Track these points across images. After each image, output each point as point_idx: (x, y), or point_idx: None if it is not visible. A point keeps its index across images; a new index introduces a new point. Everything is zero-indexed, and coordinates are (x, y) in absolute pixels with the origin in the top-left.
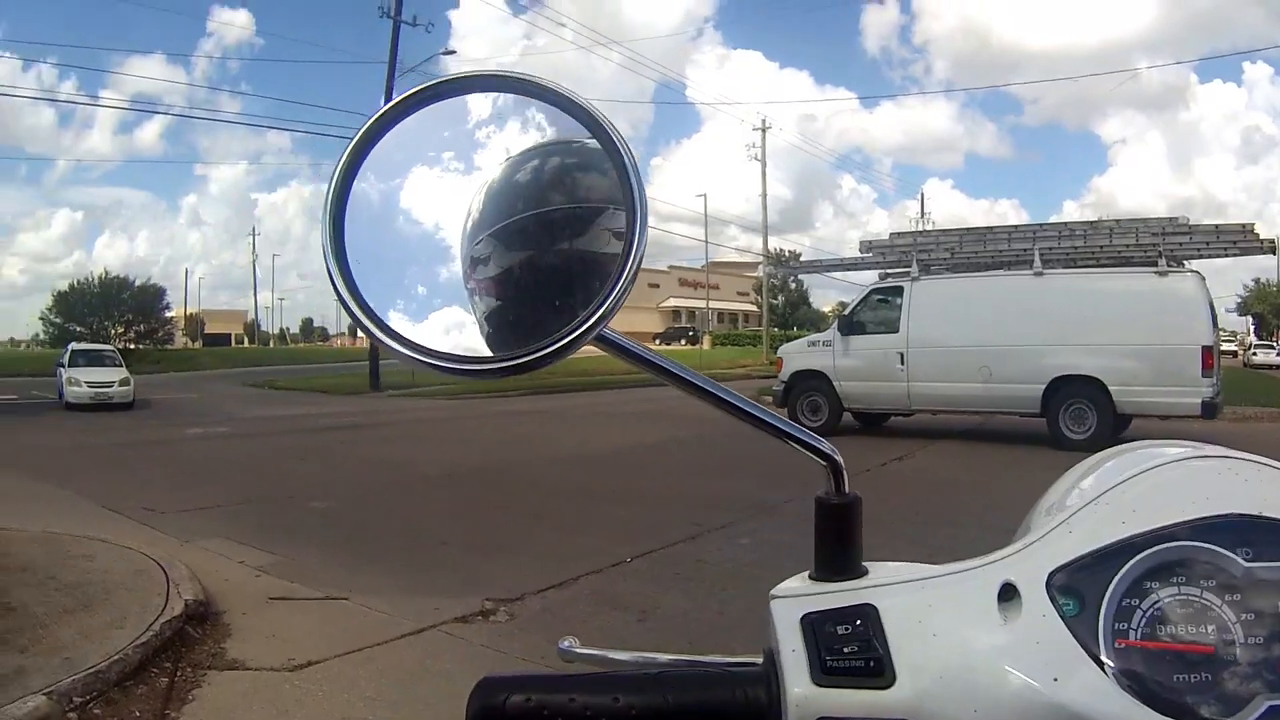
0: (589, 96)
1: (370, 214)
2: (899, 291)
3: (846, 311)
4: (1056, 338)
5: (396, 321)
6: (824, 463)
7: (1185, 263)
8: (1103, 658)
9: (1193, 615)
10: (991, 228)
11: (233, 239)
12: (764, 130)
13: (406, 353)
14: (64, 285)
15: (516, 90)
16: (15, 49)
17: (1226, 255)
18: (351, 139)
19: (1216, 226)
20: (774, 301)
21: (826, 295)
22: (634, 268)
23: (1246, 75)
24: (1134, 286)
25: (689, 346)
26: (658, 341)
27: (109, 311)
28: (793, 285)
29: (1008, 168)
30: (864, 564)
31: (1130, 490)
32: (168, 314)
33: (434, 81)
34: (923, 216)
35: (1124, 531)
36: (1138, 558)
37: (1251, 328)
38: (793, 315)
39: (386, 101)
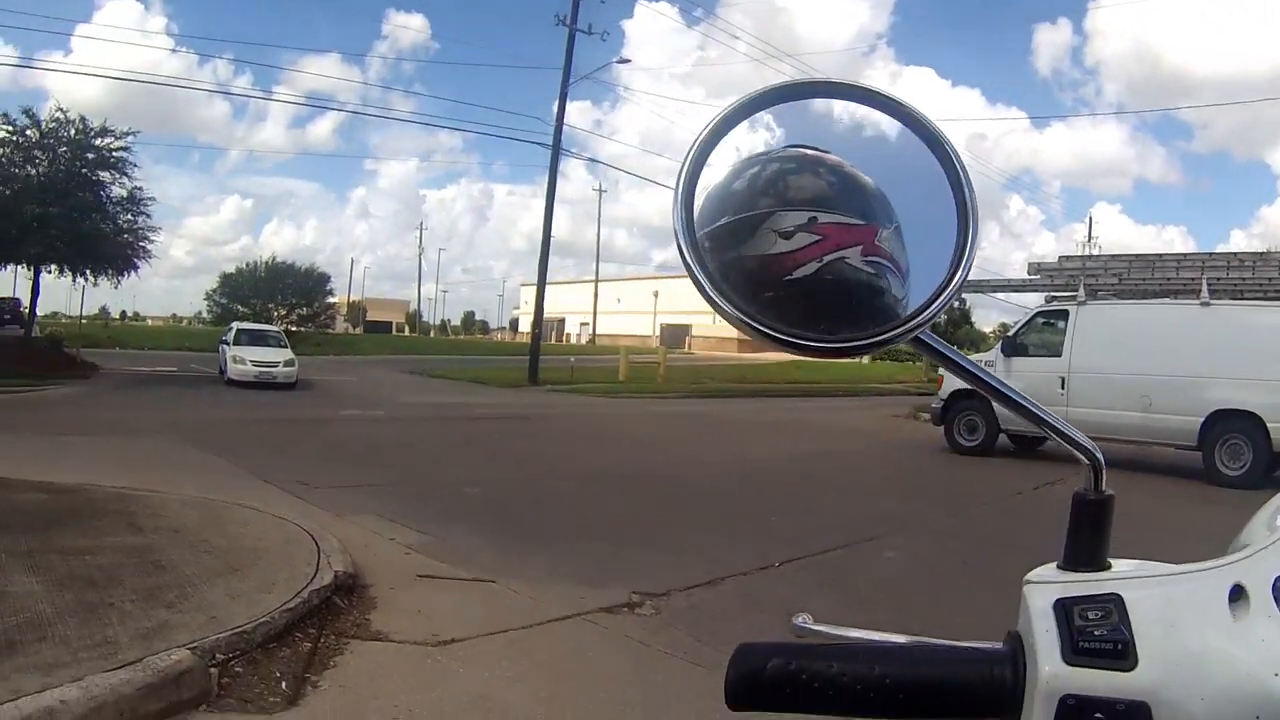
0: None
1: (716, 201)
2: (1064, 315)
3: (1010, 333)
4: (1218, 370)
5: (738, 299)
6: (1088, 461)
7: None
8: None
9: None
10: (1160, 255)
11: (399, 231)
12: None
13: (755, 325)
14: (230, 268)
15: (860, 99)
16: (194, 44)
17: None
18: (702, 131)
19: None
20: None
21: (988, 316)
22: (961, 278)
23: None
24: None
25: (846, 360)
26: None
27: (273, 294)
28: (955, 304)
29: (1176, 194)
30: (1109, 559)
31: None
32: (330, 299)
33: (788, 83)
34: (1090, 240)
35: None
36: None
37: None
38: (954, 334)
39: (560, 108)
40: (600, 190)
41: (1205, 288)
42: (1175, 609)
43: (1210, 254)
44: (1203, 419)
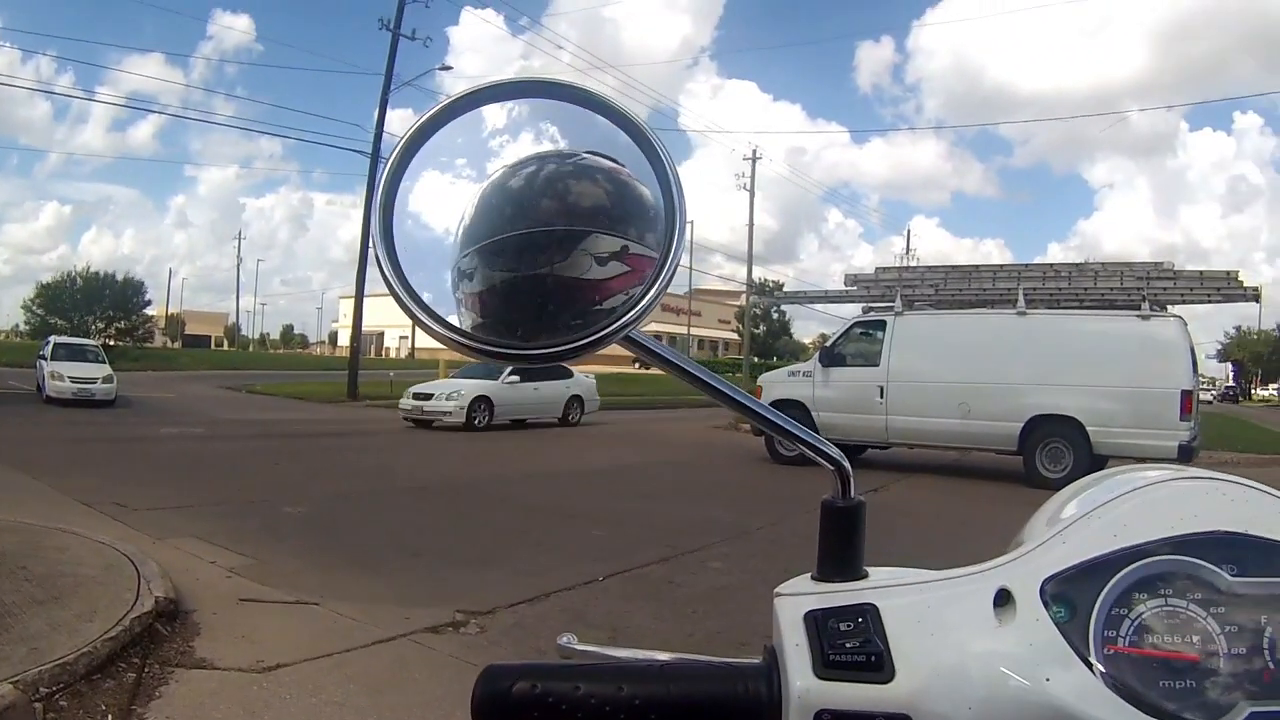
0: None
1: (416, 210)
2: (881, 325)
3: (828, 344)
4: (1036, 377)
5: (439, 310)
6: (832, 467)
7: (1169, 307)
8: (1092, 661)
9: (1178, 626)
10: (977, 266)
11: (218, 242)
12: (754, 159)
13: (453, 337)
14: (47, 278)
15: (562, 97)
16: (14, 38)
17: (1210, 301)
18: (401, 138)
19: (1201, 273)
20: (755, 331)
21: (808, 327)
22: (669, 274)
23: (1236, 124)
24: (1116, 329)
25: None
26: (637, 365)
27: (90, 306)
28: (775, 315)
29: (994, 207)
30: (865, 568)
31: (1121, 506)
32: (148, 311)
33: (484, 85)
34: (908, 253)
35: (1114, 545)
36: (1127, 570)
37: (1231, 374)
38: (773, 345)
39: (380, 115)
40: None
41: (1022, 297)
42: (935, 616)
43: (1026, 265)
44: (1022, 424)
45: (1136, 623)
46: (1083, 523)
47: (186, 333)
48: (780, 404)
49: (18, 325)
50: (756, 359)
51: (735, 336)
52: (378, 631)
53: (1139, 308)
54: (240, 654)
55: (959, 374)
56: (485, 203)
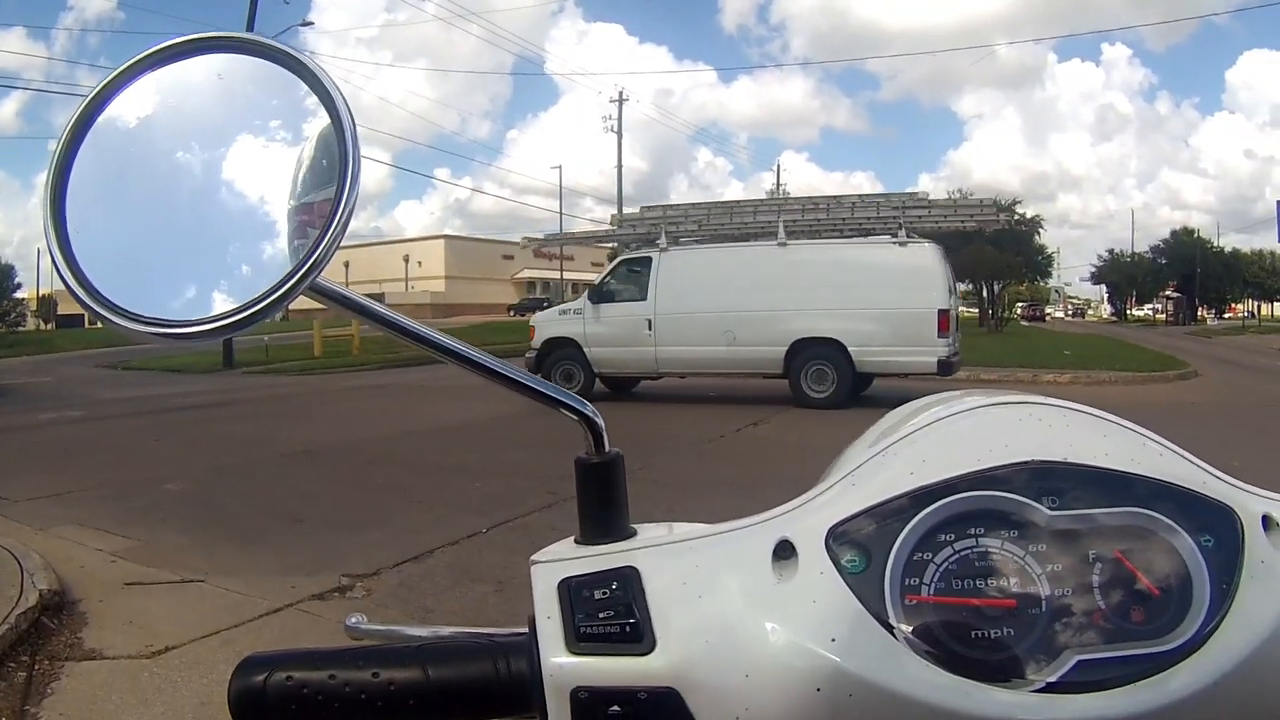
0: (448, 70)
1: (96, 180)
2: (647, 262)
3: (598, 282)
4: (799, 303)
5: (112, 288)
6: (580, 421)
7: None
8: (890, 617)
9: (993, 568)
10: (738, 201)
11: None
12: (621, 102)
13: (110, 317)
14: None
15: (235, 49)
16: None
17: (965, 227)
18: (80, 104)
19: (954, 201)
20: None
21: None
22: (344, 216)
23: (1105, 56)
24: (874, 255)
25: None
26: (512, 313)
27: None
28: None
29: (864, 142)
30: (634, 525)
31: (922, 440)
32: (18, 295)
33: (154, 49)
34: (779, 187)
35: (913, 482)
36: (930, 509)
37: (1106, 295)
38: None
39: None
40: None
41: (782, 229)
42: (703, 576)
43: (786, 199)
44: (786, 348)
45: (943, 568)
46: (876, 461)
47: (60, 313)
48: (553, 342)
49: None
50: None
51: None
52: (264, 604)
53: (896, 235)
54: (129, 640)
55: (724, 304)
56: (148, 166)
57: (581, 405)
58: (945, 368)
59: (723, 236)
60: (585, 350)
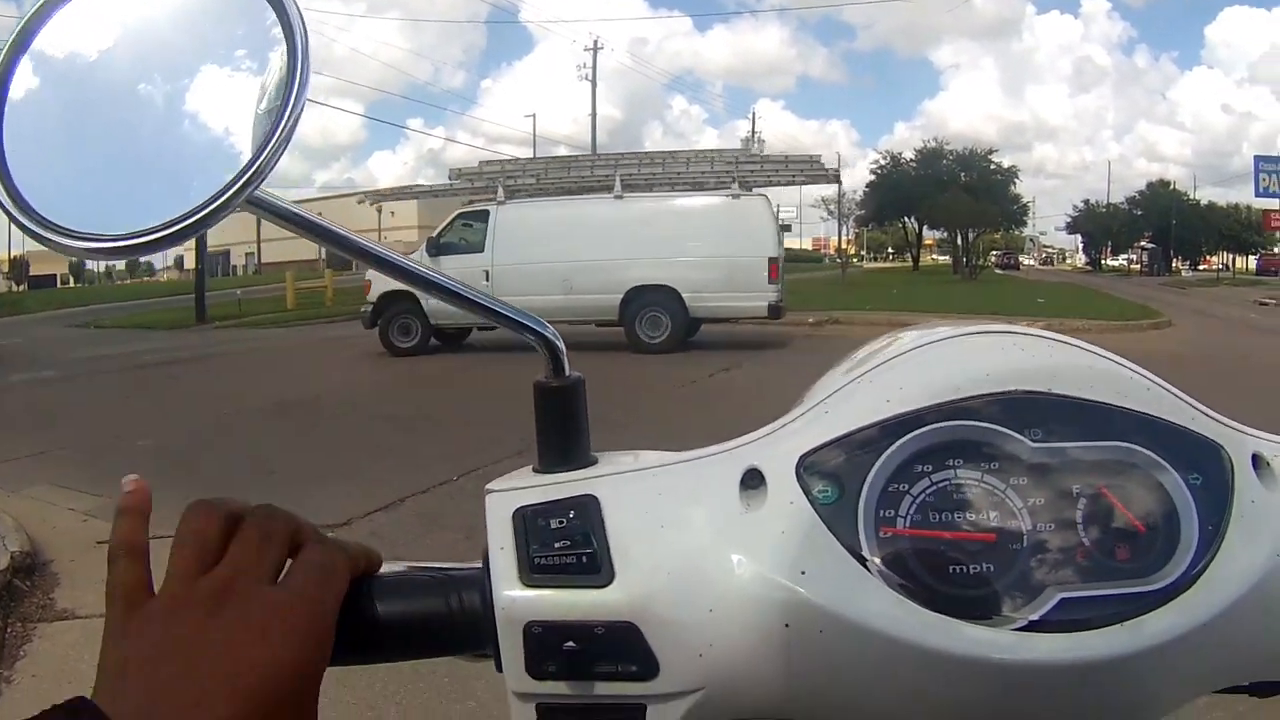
0: (422, 19)
1: (35, 98)
2: (484, 215)
3: (435, 234)
4: (635, 253)
5: (50, 208)
6: (538, 341)
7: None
8: (863, 550)
9: (972, 501)
10: (575, 156)
11: None
12: (595, 49)
13: (46, 235)
14: None
15: None
16: None
17: (795, 183)
18: (22, 19)
19: (786, 157)
20: None
21: None
22: (289, 123)
23: (1084, 8)
24: (708, 207)
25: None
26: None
27: None
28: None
29: (840, 91)
30: (596, 454)
31: (900, 366)
32: None
33: None
34: (753, 136)
35: (889, 410)
36: (906, 438)
37: (1080, 244)
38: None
39: None
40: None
41: (619, 183)
42: (667, 505)
43: (623, 155)
44: (622, 295)
45: (920, 500)
46: (850, 388)
47: (31, 274)
48: (389, 296)
49: None
50: None
51: None
52: None
53: (730, 188)
54: (101, 600)
55: (561, 255)
56: (90, 83)
57: (540, 326)
58: (775, 311)
59: (560, 190)
60: (422, 303)
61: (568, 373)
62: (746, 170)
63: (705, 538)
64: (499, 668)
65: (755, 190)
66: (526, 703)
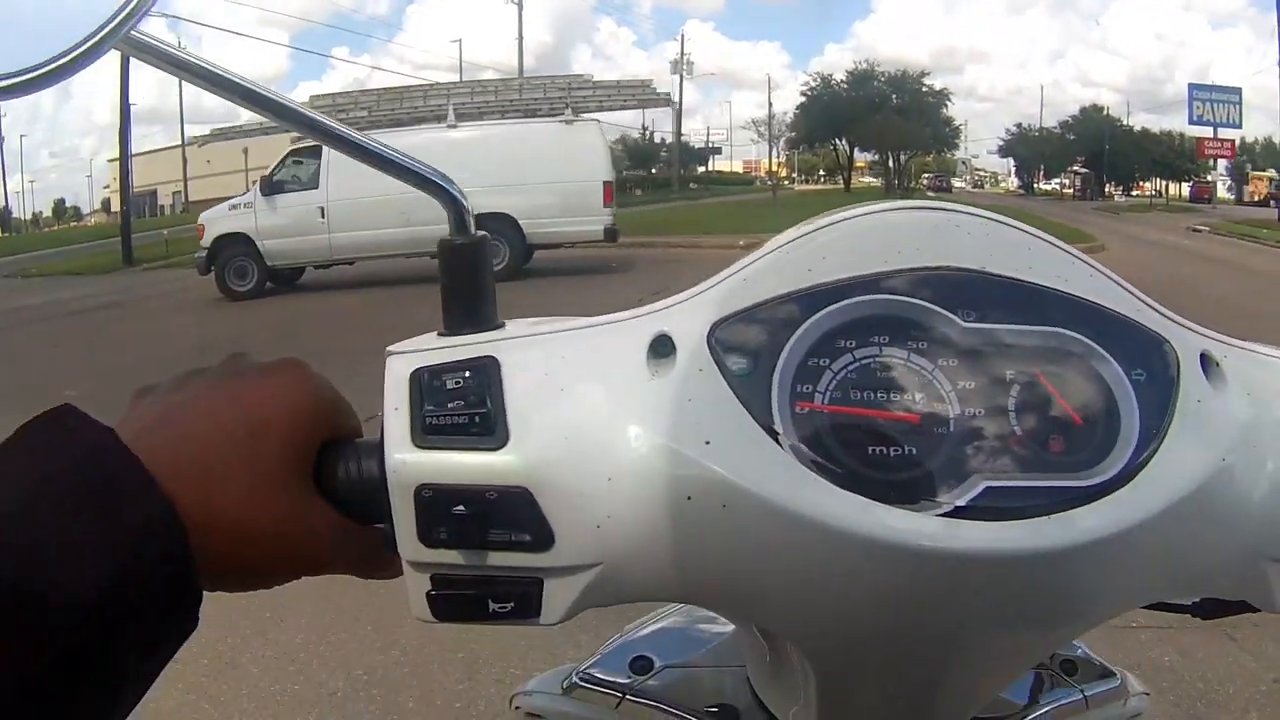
0: None
1: None
2: (317, 151)
3: (268, 173)
4: (471, 182)
5: None
6: (440, 197)
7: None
8: (775, 424)
9: (896, 381)
10: (408, 87)
11: None
12: None
13: None
14: None
15: None
16: None
17: (627, 108)
18: None
19: (618, 82)
20: None
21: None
22: None
23: None
24: (542, 134)
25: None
26: None
27: None
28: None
29: (770, 11)
30: (506, 320)
31: (825, 237)
32: None
33: None
34: (682, 57)
35: (811, 279)
36: (828, 310)
37: (1012, 168)
38: None
39: None
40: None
41: (452, 112)
42: (569, 369)
43: (455, 84)
44: None
45: (840, 377)
46: (772, 257)
47: None
48: (224, 239)
49: None
50: None
51: None
52: None
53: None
54: None
55: (396, 187)
56: None
57: (445, 182)
58: (611, 234)
59: (393, 121)
60: (258, 244)
61: (472, 231)
62: (579, 96)
63: (608, 404)
64: (393, 536)
65: (587, 116)
66: (421, 572)
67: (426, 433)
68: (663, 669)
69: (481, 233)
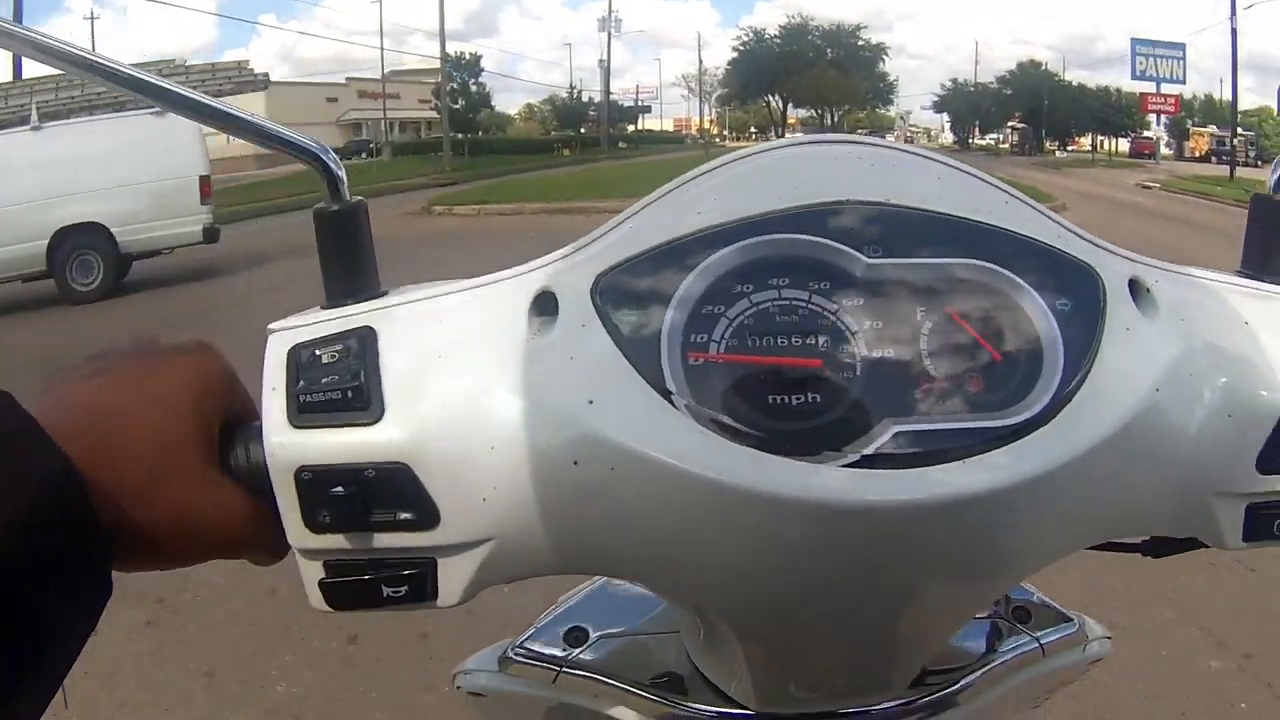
0: None
1: None
2: None
3: None
4: (59, 190)
5: None
6: (312, 164)
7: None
8: (666, 379)
9: (797, 325)
10: None
11: None
12: None
13: None
14: None
15: None
16: None
17: (224, 93)
18: None
19: (213, 65)
20: (454, 106)
21: (513, 98)
22: None
23: None
24: (131, 130)
25: (368, 160)
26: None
27: None
28: (474, 88)
29: None
30: (390, 289)
31: (715, 178)
32: None
33: None
34: (610, 14)
35: (701, 222)
36: (721, 253)
37: (946, 124)
38: (474, 119)
39: None
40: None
41: (35, 113)
42: (446, 333)
43: (39, 79)
44: (48, 240)
45: (735, 323)
46: (659, 203)
47: None
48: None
49: None
50: (460, 135)
51: (437, 115)
52: None
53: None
54: None
55: None
56: None
57: (318, 149)
58: (210, 235)
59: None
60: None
61: (348, 197)
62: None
63: (489, 369)
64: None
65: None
66: (313, 560)
67: (302, 411)
68: (598, 639)
69: (358, 198)
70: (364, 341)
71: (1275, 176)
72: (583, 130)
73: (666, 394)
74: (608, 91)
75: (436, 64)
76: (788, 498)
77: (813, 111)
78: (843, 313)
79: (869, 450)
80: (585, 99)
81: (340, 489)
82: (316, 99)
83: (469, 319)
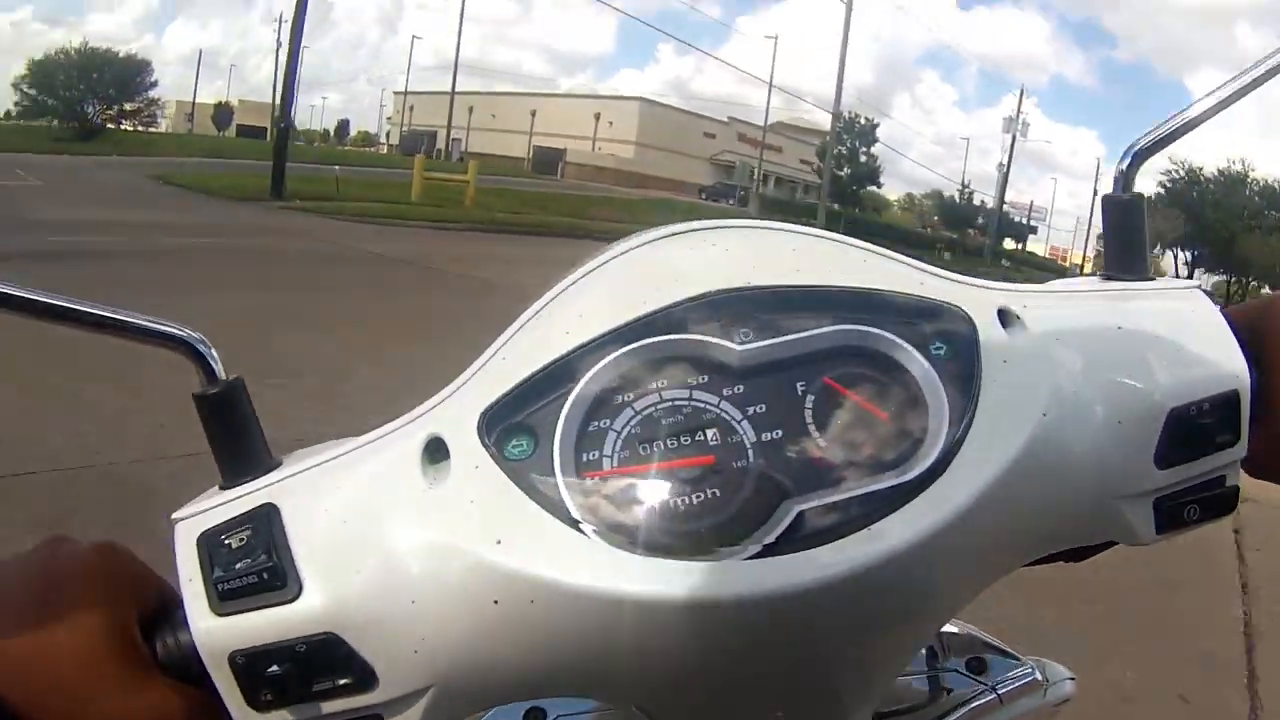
0: None
1: None
2: None
3: None
4: None
5: None
6: (178, 349)
7: None
8: (567, 504)
9: (683, 424)
10: None
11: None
12: (849, 3)
13: None
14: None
15: None
16: None
17: None
18: None
19: None
20: (838, 172)
21: (891, 185)
22: None
23: None
24: None
25: (733, 205)
26: (703, 196)
27: (89, 87)
28: (863, 159)
29: (1091, 99)
30: (281, 457)
31: (576, 293)
32: (152, 94)
33: None
34: (1019, 114)
35: (570, 342)
36: (596, 369)
37: None
38: (855, 193)
39: None
40: None
41: None
42: (346, 498)
43: None
44: None
45: (624, 435)
46: (530, 325)
47: (240, 123)
48: None
49: (8, 110)
50: (836, 206)
51: (816, 178)
52: None
53: None
54: None
55: None
56: None
57: (184, 335)
58: None
59: None
60: None
61: (223, 376)
62: None
63: (393, 525)
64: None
65: None
66: None
67: (223, 599)
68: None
69: (235, 376)
70: (269, 519)
71: (1118, 176)
72: (970, 231)
73: (572, 521)
74: (1002, 200)
75: (824, 125)
76: (706, 599)
77: (1226, 276)
78: (725, 403)
79: (772, 537)
80: (977, 202)
81: (276, 668)
82: (694, 130)
83: (366, 479)
